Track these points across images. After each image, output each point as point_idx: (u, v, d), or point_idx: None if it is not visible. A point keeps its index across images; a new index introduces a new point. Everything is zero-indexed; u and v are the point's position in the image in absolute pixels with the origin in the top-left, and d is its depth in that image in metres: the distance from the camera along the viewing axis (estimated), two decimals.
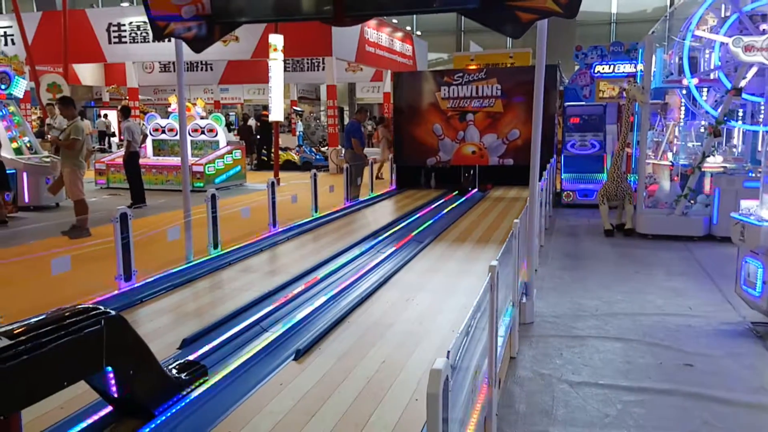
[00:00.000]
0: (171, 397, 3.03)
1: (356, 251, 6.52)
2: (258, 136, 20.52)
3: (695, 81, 8.89)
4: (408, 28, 27.62)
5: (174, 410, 2.99)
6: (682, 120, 10.02)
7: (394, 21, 22.80)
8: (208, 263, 5.97)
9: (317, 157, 19.46)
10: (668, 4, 26.47)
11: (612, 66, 12.51)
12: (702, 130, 9.44)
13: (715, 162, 8.98)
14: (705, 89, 9.40)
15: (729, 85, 8.54)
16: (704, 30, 9.12)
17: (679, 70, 9.14)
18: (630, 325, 5.29)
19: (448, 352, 1.98)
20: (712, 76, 9.06)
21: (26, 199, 11.17)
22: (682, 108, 9.98)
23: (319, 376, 3.46)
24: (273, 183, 7.63)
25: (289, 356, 3.73)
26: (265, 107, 19.78)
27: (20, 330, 2.34)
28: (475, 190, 11.72)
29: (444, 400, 1.88)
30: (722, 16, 9.07)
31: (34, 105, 19.73)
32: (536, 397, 3.94)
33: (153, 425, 2.85)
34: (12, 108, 11.76)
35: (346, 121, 24.24)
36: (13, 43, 18.45)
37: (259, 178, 15.94)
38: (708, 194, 8.90)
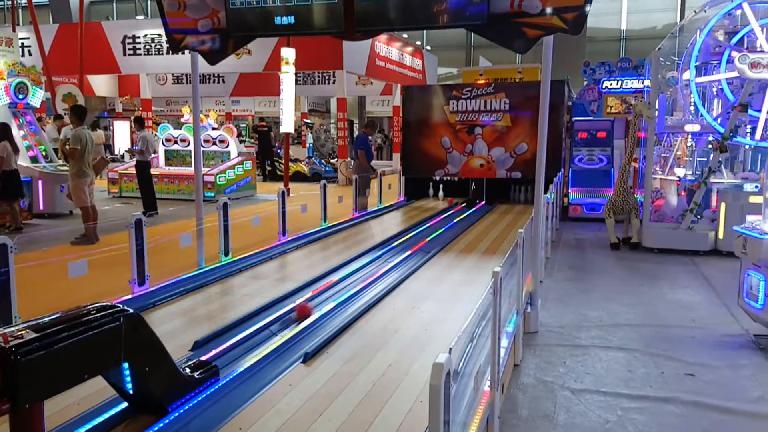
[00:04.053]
0: (184, 395, 3.14)
1: (364, 260, 6.63)
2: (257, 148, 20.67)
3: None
4: (418, 42, 27.83)
5: (187, 407, 3.10)
6: (690, 136, 10.07)
7: (405, 36, 23.02)
8: (219, 270, 6.10)
9: (326, 168, 19.64)
10: (678, 20, 26.60)
11: (620, 81, 12.61)
12: (709, 146, 9.50)
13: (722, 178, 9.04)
14: (716, 101, 9.43)
15: (732, 98, 8.63)
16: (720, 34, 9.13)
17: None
18: (633, 335, 5.35)
19: (450, 348, 2.08)
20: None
21: (41, 206, 11.36)
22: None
23: (327, 378, 3.56)
24: (283, 193, 7.77)
25: (297, 359, 3.84)
26: (262, 119, 19.90)
27: (43, 325, 2.46)
28: (483, 202, 11.82)
29: (446, 393, 1.98)
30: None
31: (49, 115, 20.04)
32: (538, 402, 4.01)
33: (167, 421, 2.96)
34: (29, 117, 12.00)
35: (356, 133, 24.44)
36: (30, 54, 18.78)
37: (268, 188, 16.09)
38: (714, 210, 8.95)
